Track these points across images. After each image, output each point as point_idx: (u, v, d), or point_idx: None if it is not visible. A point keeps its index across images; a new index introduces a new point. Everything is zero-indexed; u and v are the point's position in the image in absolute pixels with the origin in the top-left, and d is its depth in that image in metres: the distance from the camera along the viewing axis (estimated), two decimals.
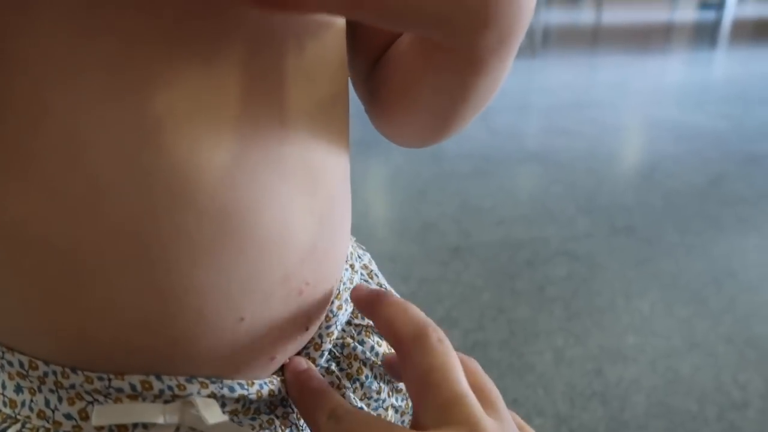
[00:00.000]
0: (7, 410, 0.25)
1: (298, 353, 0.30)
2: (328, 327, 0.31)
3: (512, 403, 1.25)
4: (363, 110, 0.34)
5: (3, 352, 0.24)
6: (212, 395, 0.25)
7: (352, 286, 0.33)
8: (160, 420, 0.24)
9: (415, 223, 2.06)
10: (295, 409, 0.29)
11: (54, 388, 0.24)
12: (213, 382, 0.25)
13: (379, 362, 0.34)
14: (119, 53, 0.19)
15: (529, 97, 3.80)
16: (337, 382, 0.31)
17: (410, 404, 0.35)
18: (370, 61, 0.31)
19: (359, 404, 0.32)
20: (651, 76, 4.42)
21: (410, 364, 0.23)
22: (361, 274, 0.37)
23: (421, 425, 0.22)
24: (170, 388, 0.24)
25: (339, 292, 0.32)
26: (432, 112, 0.27)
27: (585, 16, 8.70)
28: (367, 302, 0.27)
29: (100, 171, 0.20)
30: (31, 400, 0.24)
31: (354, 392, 0.32)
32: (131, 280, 0.22)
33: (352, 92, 0.30)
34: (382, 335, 0.28)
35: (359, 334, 0.34)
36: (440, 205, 2.21)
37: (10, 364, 0.24)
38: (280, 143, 0.23)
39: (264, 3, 0.15)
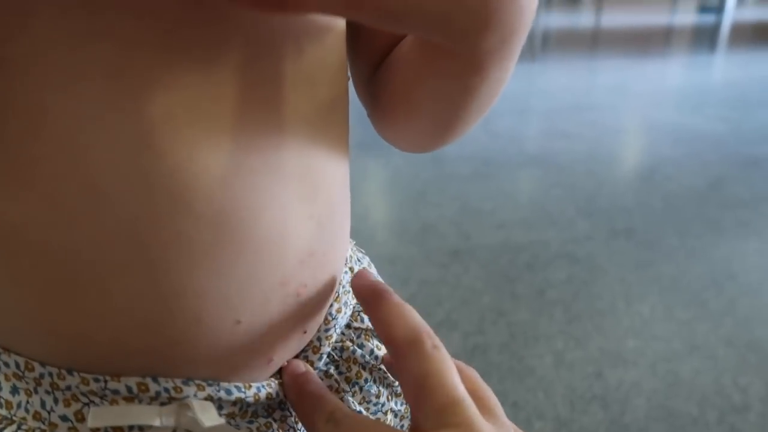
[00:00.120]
0: (3, 411, 0.25)
1: (297, 356, 0.30)
2: (327, 330, 0.30)
3: (512, 407, 1.24)
4: (362, 112, 0.33)
5: None
6: (209, 398, 0.25)
7: (351, 290, 0.33)
8: (156, 422, 0.24)
9: (415, 226, 2.06)
10: (293, 413, 0.29)
11: (50, 389, 0.24)
12: (210, 385, 0.25)
13: (379, 366, 0.33)
14: (118, 58, 0.19)
15: (528, 100, 3.80)
16: (336, 385, 0.31)
17: (409, 408, 0.35)
18: (372, 64, 0.31)
19: (358, 408, 0.32)
20: (650, 79, 4.42)
21: (406, 369, 0.23)
22: None
23: (419, 429, 0.22)
24: (166, 390, 0.24)
25: (338, 295, 0.31)
26: (433, 116, 0.27)
27: (585, 20, 8.73)
28: (366, 296, 0.26)
29: (98, 175, 0.20)
30: (28, 402, 0.24)
31: (353, 396, 0.32)
32: (128, 284, 0.22)
33: (353, 96, 0.30)
34: (377, 335, 0.28)
35: (359, 337, 0.33)
36: (440, 208, 2.21)
37: (7, 365, 0.24)
38: (279, 148, 0.23)
39: (263, 5, 0.15)
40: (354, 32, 0.30)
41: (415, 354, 0.23)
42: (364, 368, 0.33)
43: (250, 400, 0.27)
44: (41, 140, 0.19)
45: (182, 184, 0.21)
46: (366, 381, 0.33)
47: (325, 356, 0.31)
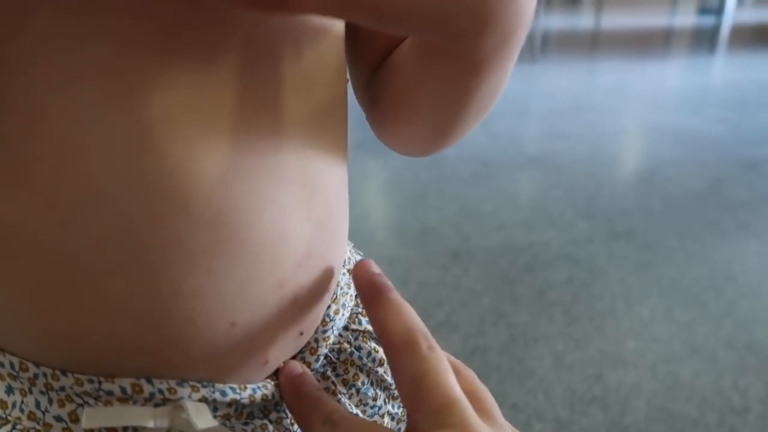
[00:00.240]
0: None
1: (294, 357, 0.30)
2: (324, 331, 0.30)
3: (512, 408, 1.24)
4: (362, 113, 0.33)
5: None
6: (203, 399, 0.25)
7: (350, 292, 0.33)
8: (150, 424, 0.24)
9: (415, 227, 2.06)
10: (289, 414, 0.29)
11: (44, 389, 0.24)
12: (204, 386, 0.25)
13: (376, 368, 0.33)
14: (117, 59, 0.19)
15: (528, 102, 3.81)
16: (333, 387, 0.31)
17: (406, 412, 0.35)
18: (371, 67, 0.30)
19: (354, 410, 0.32)
20: (650, 80, 4.43)
21: (401, 369, 0.23)
22: None
23: (416, 430, 0.22)
24: (161, 391, 0.24)
25: (336, 296, 0.31)
26: (433, 119, 0.27)
27: (584, 21, 8.74)
28: (364, 290, 0.26)
29: (96, 175, 0.20)
30: (22, 402, 0.24)
31: (349, 398, 0.32)
32: (125, 284, 0.22)
33: (351, 98, 0.30)
34: (373, 332, 0.28)
35: (356, 339, 0.33)
36: (440, 209, 2.21)
37: (1, 365, 0.24)
38: (278, 150, 0.23)
39: (261, 5, 0.15)
40: (353, 35, 0.30)
41: (411, 354, 0.23)
42: (361, 370, 0.33)
43: (246, 401, 0.26)
44: (39, 140, 0.19)
45: (180, 184, 0.21)
46: (363, 383, 0.33)
47: (322, 358, 0.31)
